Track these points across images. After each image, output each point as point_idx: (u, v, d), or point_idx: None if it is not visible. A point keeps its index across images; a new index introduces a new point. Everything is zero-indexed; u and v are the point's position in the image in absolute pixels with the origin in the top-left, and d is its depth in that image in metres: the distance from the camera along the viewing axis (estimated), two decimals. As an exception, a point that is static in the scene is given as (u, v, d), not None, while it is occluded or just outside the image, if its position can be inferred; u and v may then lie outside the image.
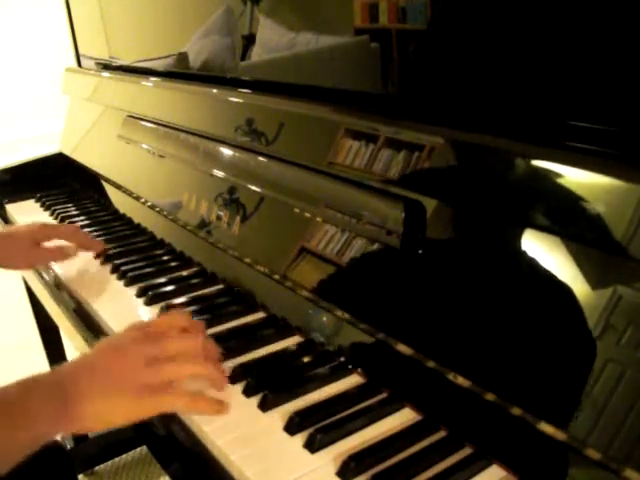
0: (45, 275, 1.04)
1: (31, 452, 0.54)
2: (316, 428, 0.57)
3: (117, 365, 0.59)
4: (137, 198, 1.16)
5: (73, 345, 0.91)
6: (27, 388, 0.56)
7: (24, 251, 0.96)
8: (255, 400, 0.63)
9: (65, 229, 1.05)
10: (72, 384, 0.57)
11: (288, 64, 0.88)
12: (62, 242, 1.00)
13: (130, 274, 0.93)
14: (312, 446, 0.56)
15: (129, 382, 0.57)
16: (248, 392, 0.64)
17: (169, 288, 0.89)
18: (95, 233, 1.14)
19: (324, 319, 0.71)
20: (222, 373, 0.65)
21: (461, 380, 0.54)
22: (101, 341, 0.64)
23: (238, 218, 0.87)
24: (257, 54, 0.94)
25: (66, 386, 0.56)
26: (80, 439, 1.63)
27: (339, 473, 0.53)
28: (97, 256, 1.02)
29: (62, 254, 0.98)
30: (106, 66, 1.46)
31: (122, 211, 1.23)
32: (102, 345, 0.63)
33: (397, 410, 0.60)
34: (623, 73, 0.49)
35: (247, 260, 0.84)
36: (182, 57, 1.12)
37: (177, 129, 1.06)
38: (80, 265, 0.99)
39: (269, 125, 0.84)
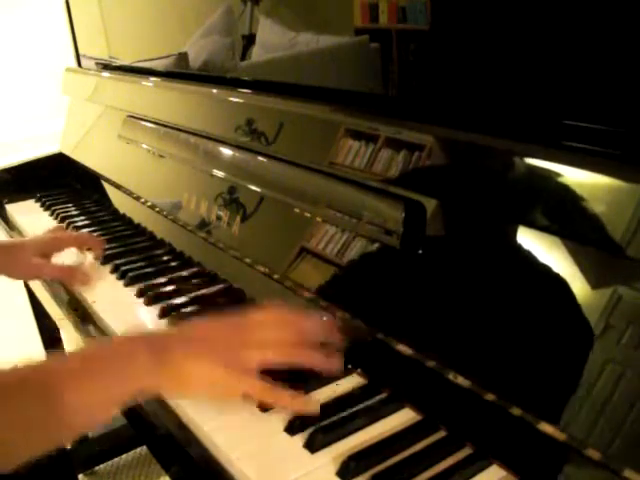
0: (45, 275, 1.04)
1: (124, 404, 0.58)
2: (316, 428, 0.57)
3: (214, 336, 0.62)
4: (137, 198, 1.16)
5: (73, 345, 0.91)
6: (133, 338, 0.60)
7: (29, 261, 0.94)
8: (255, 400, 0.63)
9: (74, 239, 1.02)
10: (170, 344, 0.60)
11: (288, 64, 0.88)
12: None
13: (130, 274, 0.93)
14: (312, 446, 0.56)
15: (222, 353, 0.60)
16: (248, 392, 0.64)
17: (169, 288, 0.89)
18: (95, 233, 1.14)
19: (324, 319, 0.71)
20: (327, 360, 0.63)
21: (461, 380, 0.54)
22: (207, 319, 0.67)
23: (238, 218, 0.86)
24: (257, 54, 0.94)
25: (165, 344, 0.59)
26: (80, 439, 1.63)
27: (339, 473, 0.53)
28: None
29: (71, 276, 0.95)
30: (106, 66, 1.46)
31: (122, 211, 1.23)
32: (201, 320, 0.66)
33: (397, 410, 0.60)
34: (622, 73, 0.49)
35: (247, 260, 0.84)
36: (182, 57, 1.12)
37: (177, 129, 1.06)
38: (80, 265, 0.99)
39: (269, 125, 0.84)
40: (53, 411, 0.52)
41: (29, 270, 0.96)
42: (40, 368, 0.55)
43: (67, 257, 1.00)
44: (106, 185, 1.31)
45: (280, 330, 0.63)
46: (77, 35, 1.56)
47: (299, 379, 0.63)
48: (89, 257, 1.02)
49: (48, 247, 0.97)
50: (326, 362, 0.62)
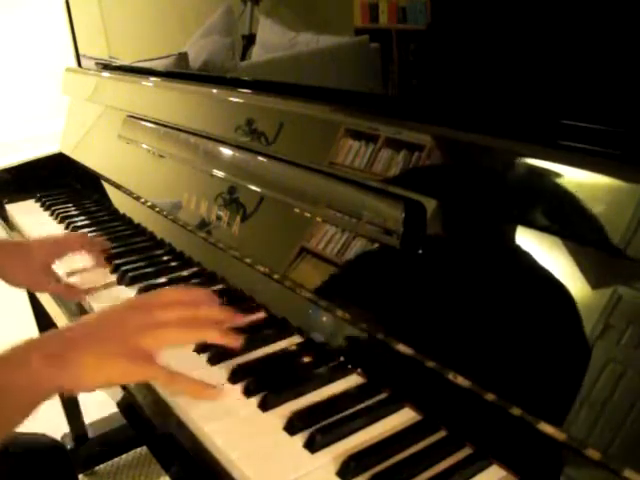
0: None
1: (30, 414, 0.57)
2: (316, 428, 0.57)
3: (112, 328, 0.61)
4: (137, 198, 1.16)
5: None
6: (25, 345, 0.59)
7: (35, 272, 0.91)
8: (255, 400, 0.63)
9: (74, 242, 0.97)
10: (68, 341, 0.59)
11: (288, 64, 0.88)
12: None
13: (130, 274, 0.93)
14: (312, 446, 0.56)
15: (121, 344, 0.59)
16: (248, 392, 0.64)
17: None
18: (95, 233, 1.14)
19: (324, 319, 0.71)
20: (226, 335, 0.63)
21: (461, 380, 0.54)
22: (98, 310, 0.68)
23: (238, 218, 0.87)
24: (257, 54, 0.94)
25: (63, 343, 0.59)
26: (80, 439, 1.63)
27: (339, 473, 0.53)
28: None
29: (72, 294, 0.92)
30: (106, 66, 1.46)
31: (122, 211, 1.23)
32: (99, 312, 0.66)
33: (397, 410, 0.60)
34: (622, 73, 0.49)
35: (247, 260, 0.84)
36: (182, 57, 1.12)
37: (177, 129, 1.06)
38: (80, 265, 0.99)
39: (269, 125, 0.84)
40: None
41: (31, 279, 0.93)
42: None
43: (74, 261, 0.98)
44: (106, 185, 1.31)
45: (175, 310, 0.63)
46: (77, 35, 1.56)
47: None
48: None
49: (52, 256, 0.93)
50: (225, 337, 0.62)
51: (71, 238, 1.00)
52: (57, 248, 0.95)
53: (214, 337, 0.63)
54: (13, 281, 0.93)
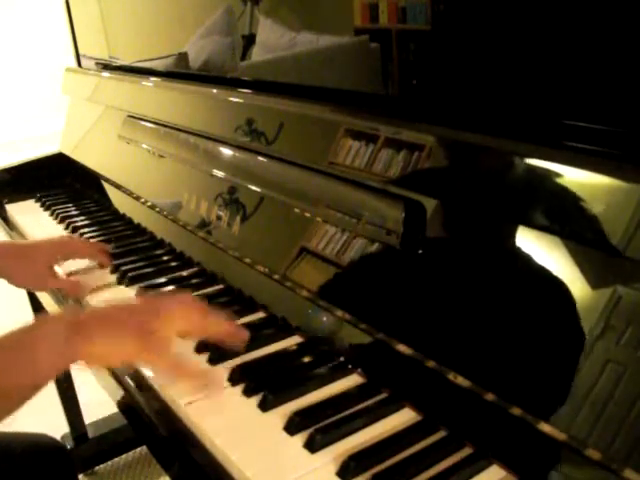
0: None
1: (37, 391, 0.59)
2: (316, 428, 0.57)
3: (125, 312, 0.65)
4: (137, 198, 1.16)
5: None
6: (33, 323, 0.63)
7: (39, 272, 0.92)
8: (255, 400, 0.63)
9: (80, 248, 0.99)
10: (85, 318, 0.64)
11: (288, 64, 0.88)
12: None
13: (130, 274, 0.93)
14: (312, 446, 0.56)
15: (133, 324, 0.63)
16: (248, 392, 0.64)
17: (169, 288, 0.89)
18: (95, 233, 1.14)
19: (324, 319, 0.71)
20: (236, 328, 0.67)
21: (461, 380, 0.54)
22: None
23: (238, 218, 0.87)
24: (257, 54, 0.94)
25: (80, 319, 0.63)
26: (80, 439, 1.63)
27: (339, 473, 0.53)
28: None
29: (75, 290, 0.92)
30: (106, 66, 1.46)
31: (122, 211, 1.23)
32: (112, 303, 0.70)
33: (397, 410, 0.60)
34: (622, 73, 0.49)
35: (247, 260, 0.84)
36: (182, 57, 1.12)
37: (177, 129, 1.06)
38: (80, 265, 0.99)
39: (269, 125, 0.84)
40: None
41: (38, 282, 0.94)
42: None
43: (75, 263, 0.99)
44: (106, 185, 1.31)
45: (188, 307, 0.67)
46: (77, 35, 1.56)
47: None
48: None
49: (58, 255, 0.95)
50: (235, 330, 0.67)
51: (76, 242, 1.01)
52: (63, 249, 0.96)
53: (223, 328, 0.66)
54: (19, 283, 0.94)
